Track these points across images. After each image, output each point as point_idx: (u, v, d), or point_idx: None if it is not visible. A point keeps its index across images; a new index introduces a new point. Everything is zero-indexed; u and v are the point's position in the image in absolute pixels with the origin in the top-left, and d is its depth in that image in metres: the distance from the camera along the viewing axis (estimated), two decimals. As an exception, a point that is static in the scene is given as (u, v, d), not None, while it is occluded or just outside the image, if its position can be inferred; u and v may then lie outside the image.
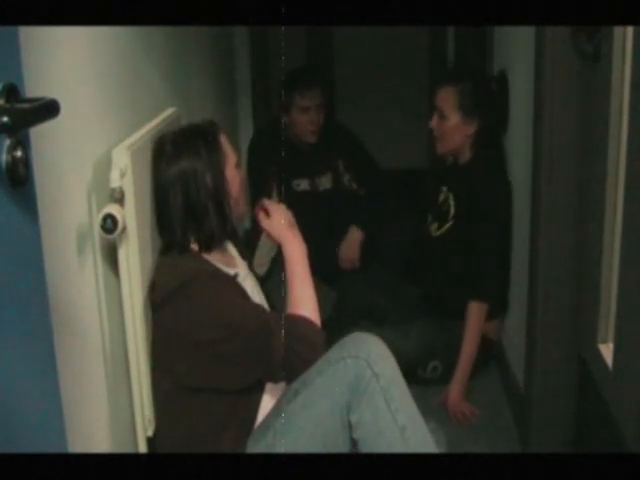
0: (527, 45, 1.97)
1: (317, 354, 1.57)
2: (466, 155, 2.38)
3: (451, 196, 2.41)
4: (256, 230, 2.96)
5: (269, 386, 1.65)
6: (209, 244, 1.65)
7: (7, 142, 0.85)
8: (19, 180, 0.87)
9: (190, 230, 1.63)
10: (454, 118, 2.31)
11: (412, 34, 3.84)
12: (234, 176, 1.68)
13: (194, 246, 1.65)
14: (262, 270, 2.92)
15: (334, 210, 3.11)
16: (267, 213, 1.79)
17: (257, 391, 1.63)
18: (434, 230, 2.48)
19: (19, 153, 0.87)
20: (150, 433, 1.59)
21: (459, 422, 2.24)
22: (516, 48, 2.24)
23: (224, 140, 1.68)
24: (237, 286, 1.64)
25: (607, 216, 1.62)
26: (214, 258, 1.67)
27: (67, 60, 1.28)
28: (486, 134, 2.36)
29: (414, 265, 2.70)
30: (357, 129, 3.23)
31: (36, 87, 1.02)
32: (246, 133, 3.67)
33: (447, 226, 2.41)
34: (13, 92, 0.86)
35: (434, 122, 2.36)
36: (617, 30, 1.53)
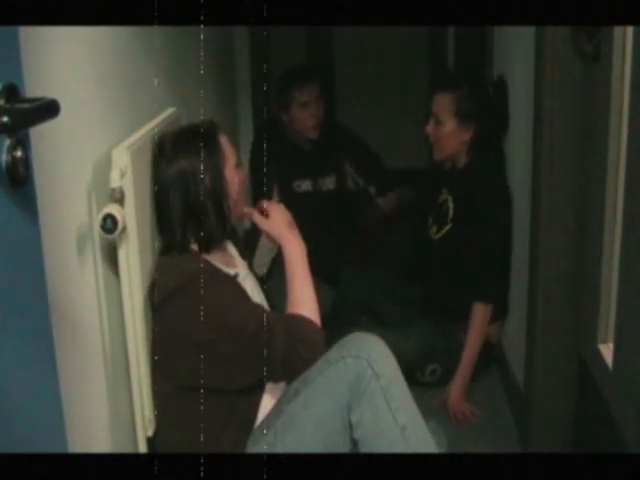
0: (527, 45, 1.97)
1: (317, 354, 1.57)
2: (463, 160, 2.39)
3: (450, 199, 2.42)
4: (256, 230, 2.97)
5: (269, 386, 1.65)
6: (208, 244, 1.65)
7: (7, 142, 0.85)
8: (19, 180, 0.87)
9: (189, 230, 1.63)
10: (450, 124, 2.32)
11: (412, 34, 3.83)
12: (234, 177, 1.67)
13: (194, 246, 1.65)
14: (262, 270, 2.92)
15: (337, 211, 3.11)
16: (266, 214, 1.78)
17: (257, 391, 1.64)
18: (433, 233, 2.48)
19: (19, 153, 0.87)
20: (150, 433, 1.59)
21: (459, 422, 2.25)
22: (516, 48, 2.24)
23: (224, 140, 1.68)
24: (237, 286, 1.64)
25: (607, 216, 1.62)
26: (214, 258, 1.67)
27: (67, 60, 1.28)
28: (483, 139, 2.36)
29: (415, 267, 2.70)
30: (357, 129, 3.23)
31: (36, 87, 1.02)
32: (246, 133, 3.67)
33: (446, 229, 2.42)
34: (13, 92, 0.86)
35: (430, 128, 2.38)
36: (617, 30, 1.53)
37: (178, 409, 1.60)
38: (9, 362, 0.87)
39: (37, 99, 0.88)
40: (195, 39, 2.57)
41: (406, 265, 2.76)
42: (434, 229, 2.49)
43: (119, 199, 1.42)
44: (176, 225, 1.62)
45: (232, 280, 1.64)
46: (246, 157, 3.54)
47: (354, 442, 1.54)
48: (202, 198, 1.60)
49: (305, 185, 3.10)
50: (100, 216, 1.38)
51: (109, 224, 1.38)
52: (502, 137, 2.46)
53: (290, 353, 1.55)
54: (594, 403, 1.69)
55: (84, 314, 1.37)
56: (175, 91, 2.16)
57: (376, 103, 4.01)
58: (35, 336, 0.94)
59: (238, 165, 1.71)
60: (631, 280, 1.42)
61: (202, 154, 1.61)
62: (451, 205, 2.40)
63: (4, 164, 0.85)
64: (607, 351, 1.62)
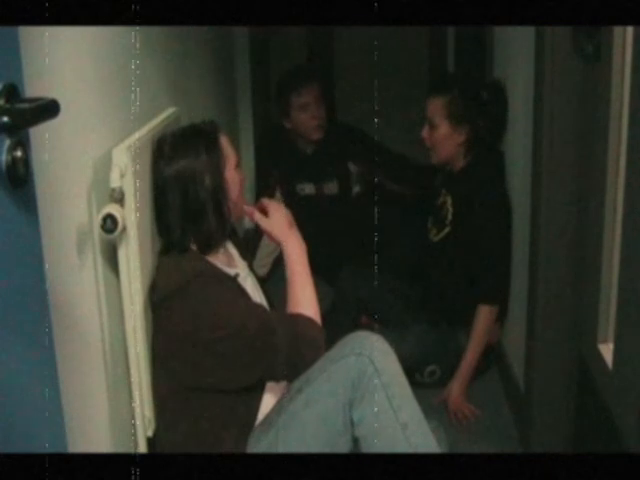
0: (527, 45, 1.97)
1: (319, 353, 1.58)
2: (460, 162, 2.40)
3: (449, 201, 2.42)
4: (258, 230, 2.97)
5: (270, 385, 1.65)
6: (208, 245, 1.65)
7: (7, 142, 0.85)
8: (19, 180, 0.87)
9: (189, 231, 1.63)
10: (443, 127, 2.34)
11: (412, 34, 3.83)
12: (234, 177, 1.67)
13: (194, 246, 1.65)
14: (263, 271, 2.92)
15: (339, 213, 3.10)
16: (265, 213, 1.78)
17: (258, 390, 1.64)
18: (433, 235, 2.49)
19: (19, 153, 0.87)
20: (150, 433, 1.59)
21: (459, 422, 2.25)
22: (516, 48, 2.24)
23: (224, 141, 1.68)
24: (238, 286, 1.64)
25: (607, 216, 1.62)
26: (215, 258, 1.67)
27: (67, 60, 1.28)
28: (479, 140, 2.37)
29: (414, 268, 2.70)
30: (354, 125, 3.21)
31: (36, 87, 1.02)
32: (246, 133, 3.67)
33: (445, 231, 2.42)
34: (13, 92, 0.86)
35: (425, 132, 2.40)
36: (617, 30, 1.53)
37: (178, 409, 1.60)
38: (9, 362, 0.87)
39: (37, 99, 0.88)
40: (195, 39, 2.57)
41: (405, 266, 2.76)
42: (433, 231, 2.49)
43: (119, 199, 1.42)
44: (175, 225, 1.62)
45: (233, 280, 1.64)
46: (246, 157, 3.54)
47: (355, 440, 1.54)
48: (202, 199, 1.60)
49: (308, 188, 3.09)
50: (100, 216, 1.38)
51: (109, 224, 1.38)
52: (500, 138, 2.47)
53: (292, 352, 1.55)
54: (594, 403, 1.69)
55: (84, 314, 1.37)
56: (175, 91, 2.16)
57: (376, 103, 4.01)
58: (35, 336, 0.94)
59: (238, 166, 1.71)
60: (631, 280, 1.42)
61: (203, 155, 1.61)
62: (450, 207, 2.41)
63: (4, 164, 0.85)
64: (607, 351, 1.62)
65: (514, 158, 2.34)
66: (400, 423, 1.52)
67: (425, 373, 2.38)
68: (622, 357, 1.48)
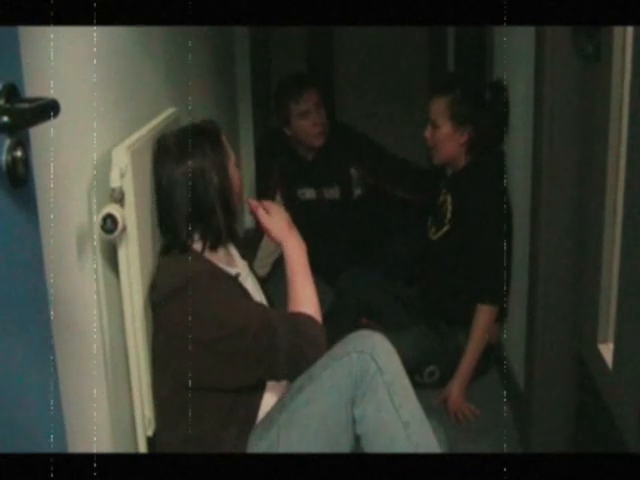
0: (527, 45, 1.97)
1: (320, 351, 1.58)
2: (462, 162, 2.40)
3: (449, 200, 2.42)
4: (259, 230, 2.97)
5: (270, 384, 1.65)
6: (216, 242, 1.65)
7: (7, 142, 0.85)
8: (19, 180, 0.87)
9: (196, 229, 1.63)
10: (445, 128, 2.34)
11: (412, 34, 3.83)
12: (235, 174, 1.70)
13: (196, 246, 1.65)
14: (264, 271, 2.92)
15: (339, 218, 3.09)
16: (266, 211, 1.78)
17: (258, 390, 1.64)
18: (432, 233, 2.49)
19: (19, 153, 0.87)
20: (150, 433, 1.59)
21: (459, 422, 2.25)
22: (516, 48, 2.24)
23: (224, 139, 1.70)
24: (238, 286, 1.64)
25: (607, 216, 1.62)
26: (215, 258, 1.67)
27: (67, 60, 1.28)
28: (481, 141, 2.37)
29: (413, 267, 2.70)
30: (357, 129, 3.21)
31: (36, 87, 1.02)
32: (246, 133, 3.67)
33: (444, 230, 2.43)
34: (13, 92, 0.86)
35: (427, 133, 2.40)
36: (617, 30, 1.53)
37: (178, 409, 1.60)
38: (9, 362, 0.87)
39: (37, 99, 0.88)
40: (195, 39, 2.57)
41: (405, 267, 2.76)
42: (432, 229, 2.50)
43: (119, 199, 1.42)
44: (181, 225, 1.62)
45: (233, 280, 1.64)
46: (246, 157, 3.55)
47: (357, 438, 1.54)
48: (210, 196, 1.61)
49: (309, 193, 3.09)
50: (100, 216, 1.38)
51: (109, 224, 1.38)
52: (501, 138, 2.47)
53: (294, 351, 1.55)
54: (594, 403, 1.69)
55: (84, 314, 1.37)
56: (175, 91, 2.16)
57: (376, 103, 4.01)
58: (35, 336, 0.94)
59: (237, 163, 1.73)
60: (631, 280, 1.42)
61: (209, 153, 1.62)
62: (449, 206, 2.41)
63: (4, 164, 0.85)
64: (607, 351, 1.62)
65: (514, 158, 2.34)
66: (402, 421, 1.52)
67: (424, 374, 2.38)
68: (622, 357, 1.47)
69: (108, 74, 1.52)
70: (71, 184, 1.31)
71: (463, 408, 2.27)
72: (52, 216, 1.15)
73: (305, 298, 1.66)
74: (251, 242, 2.99)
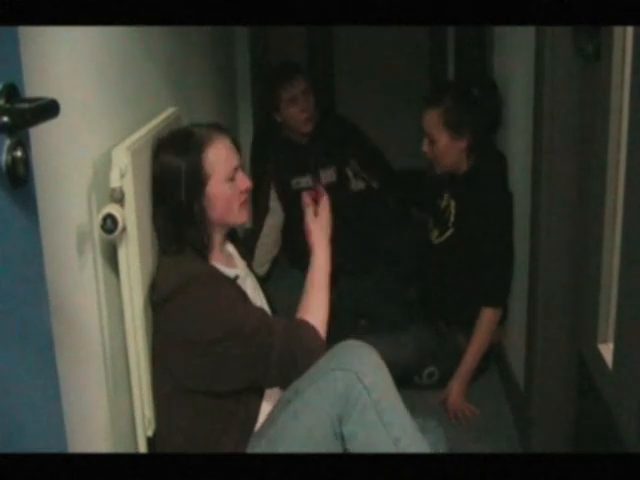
0: (527, 45, 1.97)
1: (313, 361, 1.56)
2: (464, 166, 2.39)
3: (453, 203, 2.42)
4: (256, 230, 2.97)
5: (268, 392, 1.65)
6: (195, 249, 1.63)
7: (7, 142, 0.85)
8: (19, 180, 0.87)
9: (173, 232, 1.62)
10: (443, 139, 2.32)
11: (412, 34, 3.83)
12: (222, 190, 1.62)
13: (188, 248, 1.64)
14: (263, 270, 2.92)
15: (339, 205, 3.09)
16: (316, 203, 1.78)
17: (256, 395, 1.63)
18: (435, 237, 2.49)
19: (19, 153, 0.87)
20: (150, 433, 1.59)
21: (459, 422, 2.25)
22: (516, 48, 2.24)
23: (218, 149, 1.62)
24: (236, 287, 1.63)
25: (607, 216, 1.62)
26: (214, 258, 1.67)
27: (67, 60, 1.28)
28: (481, 142, 2.37)
29: (414, 270, 2.70)
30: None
31: (36, 87, 1.02)
32: (246, 133, 3.67)
33: (447, 234, 2.42)
34: (13, 92, 0.86)
35: (425, 147, 2.38)
36: (617, 30, 1.53)
37: (178, 410, 1.60)
38: (9, 362, 0.87)
39: (37, 99, 0.88)
40: (195, 38, 2.57)
41: (405, 268, 2.76)
42: (435, 233, 2.49)
43: (119, 199, 1.42)
44: (158, 225, 1.62)
45: (231, 281, 1.63)
46: (246, 157, 3.54)
47: (347, 452, 1.53)
48: (180, 208, 1.60)
49: (305, 181, 3.09)
50: (100, 216, 1.38)
51: (109, 224, 1.38)
52: (495, 132, 2.47)
53: (285, 356, 1.54)
54: (594, 403, 1.69)
55: (84, 314, 1.37)
56: (175, 91, 2.16)
57: (376, 102, 4.01)
58: (35, 336, 0.94)
59: (234, 176, 1.65)
60: (631, 280, 1.42)
61: (186, 155, 1.59)
62: (453, 210, 2.41)
63: (4, 164, 0.85)
64: (607, 351, 1.62)
65: (514, 158, 2.34)
66: (392, 438, 1.50)
67: (424, 375, 2.38)
68: (622, 357, 1.47)
69: (108, 74, 1.52)
70: (71, 184, 1.31)
71: (463, 408, 2.27)
72: (52, 216, 1.15)
73: (315, 308, 1.66)
74: (251, 242, 2.98)
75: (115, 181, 1.42)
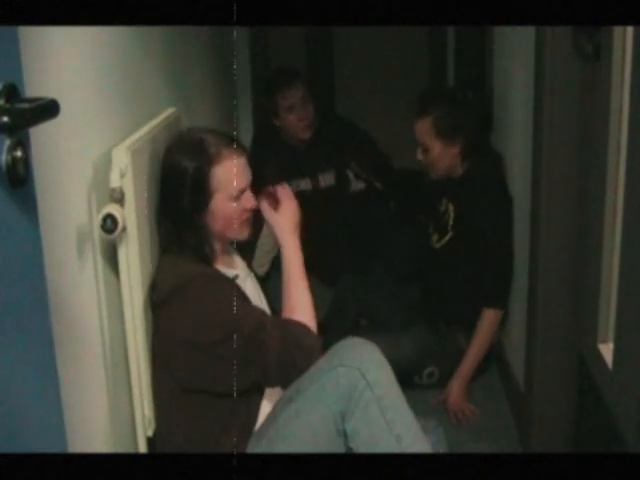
0: (527, 45, 1.97)
1: (313, 360, 1.56)
2: (459, 170, 2.40)
3: (451, 207, 2.42)
4: (255, 230, 2.96)
5: (268, 391, 1.65)
6: (194, 253, 1.63)
7: (7, 142, 0.85)
8: (19, 180, 0.87)
9: (172, 233, 1.63)
10: (436, 147, 2.34)
11: (412, 34, 3.83)
12: (227, 208, 1.61)
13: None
14: (262, 270, 2.91)
15: (338, 208, 3.09)
16: (277, 201, 1.74)
17: (256, 395, 1.63)
18: (435, 241, 2.49)
19: (19, 153, 0.87)
20: (150, 433, 1.59)
21: (459, 421, 2.25)
22: (516, 48, 2.24)
23: (228, 168, 1.61)
24: (236, 288, 1.63)
25: (607, 216, 1.62)
26: (214, 259, 1.67)
27: (67, 60, 1.28)
28: (474, 145, 2.37)
29: (414, 272, 2.70)
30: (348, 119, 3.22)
31: (36, 87, 1.02)
32: (246, 133, 3.66)
33: (447, 237, 2.42)
34: (13, 92, 0.86)
35: (419, 155, 2.40)
36: (617, 30, 1.53)
37: (178, 410, 1.60)
38: (9, 362, 0.87)
39: (37, 99, 0.88)
40: (195, 39, 2.57)
41: (405, 269, 2.76)
42: (435, 237, 2.49)
43: (119, 199, 1.42)
44: (163, 230, 1.63)
45: (231, 282, 1.63)
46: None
47: (349, 450, 1.53)
48: (182, 217, 1.60)
49: (304, 184, 3.09)
50: (100, 216, 1.38)
51: (109, 224, 1.38)
52: (489, 133, 2.48)
53: (284, 357, 1.54)
54: (594, 403, 1.69)
55: (84, 314, 1.37)
56: (175, 91, 2.16)
57: (376, 103, 4.01)
58: (35, 336, 0.94)
59: (240, 196, 1.64)
60: (631, 280, 1.42)
61: (192, 160, 1.58)
62: (452, 214, 2.41)
63: (4, 164, 0.85)
64: (607, 351, 1.62)
65: (514, 158, 2.34)
66: (394, 435, 1.51)
67: (424, 375, 2.39)
68: (622, 357, 1.47)
69: (108, 74, 1.52)
70: (71, 184, 1.31)
71: (463, 408, 2.27)
72: (52, 216, 1.15)
73: (300, 305, 1.64)
74: (251, 242, 2.98)
75: (115, 181, 1.42)
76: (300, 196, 3.02)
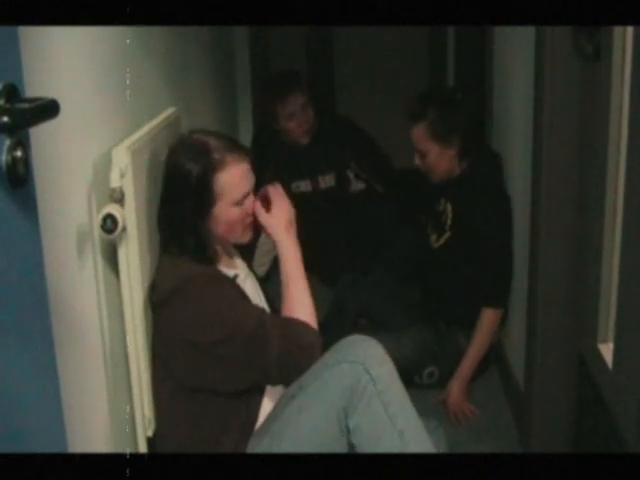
0: (527, 45, 1.97)
1: (313, 358, 1.56)
2: (457, 171, 2.40)
3: (449, 207, 2.42)
4: (255, 230, 2.97)
5: (269, 390, 1.64)
6: (194, 254, 1.63)
7: (7, 142, 0.85)
8: (19, 180, 0.87)
9: (173, 234, 1.62)
10: (433, 151, 2.34)
11: (412, 34, 3.83)
12: (229, 213, 1.61)
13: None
14: (262, 270, 2.92)
15: (338, 209, 3.10)
16: (269, 202, 1.72)
17: (257, 395, 1.63)
18: (433, 241, 2.49)
19: (19, 153, 0.87)
20: (150, 433, 1.59)
21: (459, 421, 2.25)
22: (516, 48, 2.24)
23: (232, 174, 1.59)
24: (236, 287, 1.63)
25: (607, 216, 1.62)
26: (214, 259, 1.67)
27: (67, 60, 1.28)
28: (471, 145, 2.37)
29: (414, 272, 2.70)
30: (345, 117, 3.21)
31: (36, 87, 1.02)
32: (246, 133, 3.67)
33: (445, 237, 2.42)
34: (13, 92, 0.86)
35: (417, 160, 2.40)
36: (617, 30, 1.53)
37: (178, 410, 1.60)
38: (9, 362, 0.87)
39: (37, 99, 0.88)
40: (195, 39, 2.57)
41: (405, 270, 2.76)
42: (434, 237, 2.49)
43: (119, 199, 1.42)
44: (163, 230, 1.63)
45: (231, 281, 1.63)
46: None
47: (352, 446, 1.53)
48: (184, 221, 1.59)
49: (304, 185, 3.09)
50: (100, 216, 1.38)
51: (109, 224, 1.38)
52: (484, 132, 2.48)
53: (285, 356, 1.54)
54: (594, 403, 1.69)
55: (84, 314, 1.37)
56: (175, 91, 2.16)
57: (376, 103, 4.01)
58: (35, 336, 0.94)
59: (243, 201, 1.63)
60: (631, 280, 1.42)
61: (197, 164, 1.57)
62: (450, 214, 2.41)
63: (4, 164, 0.85)
64: (607, 351, 1.62)
65: (514, 158, 2.34)
66: (397, 430, 1.51)
67: (424, 374, 2.39)
68: (622, 357, 1.47)
69: (108, 74, 1.52)
70: (71, 184, 1.31)
71: (463, 408, 2.27)
72: (52, 216, 1.15)
73: (299, 303, 1.64)
74: (251, 242, 2.98)
75: (115, 181, 1.42)
76: (300, 197, 3.05)
